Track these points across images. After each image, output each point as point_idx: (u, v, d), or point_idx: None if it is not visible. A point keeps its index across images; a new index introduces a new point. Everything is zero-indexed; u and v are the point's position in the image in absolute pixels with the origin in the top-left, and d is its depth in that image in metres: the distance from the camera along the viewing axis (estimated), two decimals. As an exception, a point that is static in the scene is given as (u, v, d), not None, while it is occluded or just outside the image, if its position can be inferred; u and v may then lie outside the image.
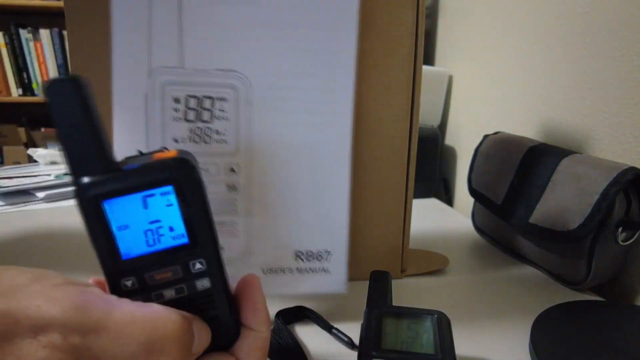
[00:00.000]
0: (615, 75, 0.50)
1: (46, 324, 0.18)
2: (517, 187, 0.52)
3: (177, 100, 0.34)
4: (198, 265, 0.24)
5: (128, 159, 0.24)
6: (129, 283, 0.23)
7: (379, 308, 0.33)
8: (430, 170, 0.84)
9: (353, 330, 0.37)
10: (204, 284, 0.25)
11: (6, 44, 2.03)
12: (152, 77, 0.34)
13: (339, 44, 0.36)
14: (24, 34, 2.04)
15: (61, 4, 0.36)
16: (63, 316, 0.18)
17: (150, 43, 0.34)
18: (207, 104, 0.34)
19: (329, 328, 0.38)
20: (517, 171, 0.53)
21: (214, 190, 0.36)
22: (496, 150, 0.58)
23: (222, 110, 0.35)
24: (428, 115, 0.86)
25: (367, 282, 0.38)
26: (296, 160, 0.37)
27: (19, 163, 1.56)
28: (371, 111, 0.42)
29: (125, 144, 0.34)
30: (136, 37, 0.34)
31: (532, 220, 0.49)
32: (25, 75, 2.08)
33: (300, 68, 0.35)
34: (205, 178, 0.34)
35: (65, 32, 1.51)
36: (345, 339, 0.36)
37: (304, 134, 0.36)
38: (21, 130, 2.18)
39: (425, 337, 0.30)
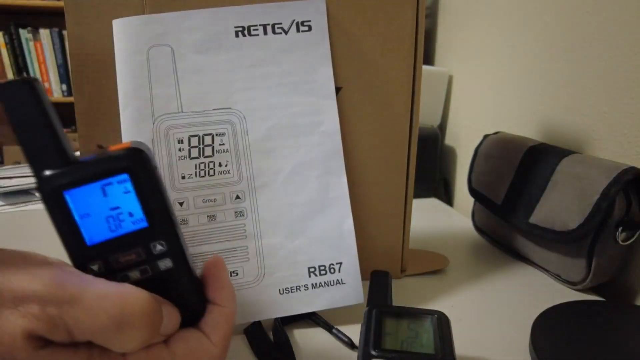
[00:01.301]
0: (615, 75, 0.50)
1: (26, 296, 0.20)
2: (517, 187, 0.52)
3: (180, 142, 0.37)
4: (159, 247, 0.26)
5: (86, 154, 0.26)
6: (95, 267, 0.25)
7: (379, 308, 0.33)
8: (430, 170, 0.83)
9: (353, 330, 0.37)
10: (166, 264, 0.26)
11: (6, 44, 2.02)
12: (156, 124, 0.37)
13: (316, 75, 0.39)
14: (24, 34, 2.04)
15: (61, 4, 0.36)
16: (42, 290, 0.20)
17: (151, 93, 0.37)
18: (207, 140, 0.37)
19: (329, 328, 0.38)
20: (517, 171, 0.53)
21: (223, 219, 0.37)
22: (496, 150, 0.58)
23: (222, 144, 0.38)
24: (428, 115, 0.86)
25: (367, 282, 0.38)
26: (294, 180, 0.39)
27: (19, 163, 1.56)
28: (371, 111, 0.42)
29: None
30: (139, 89, 0.37)
31: (532, 220, 0.49)
32: (25, 75, 2.08)
33: (286, 98, 0.39)
34: (213, 208, 0.37)
35: (65, 32, 1.51)
36: (345, 339, 0.36)
37: (298, 155, 0.39)
38: (21, 130, 2.18)
39: (425, 337, 0.30)
